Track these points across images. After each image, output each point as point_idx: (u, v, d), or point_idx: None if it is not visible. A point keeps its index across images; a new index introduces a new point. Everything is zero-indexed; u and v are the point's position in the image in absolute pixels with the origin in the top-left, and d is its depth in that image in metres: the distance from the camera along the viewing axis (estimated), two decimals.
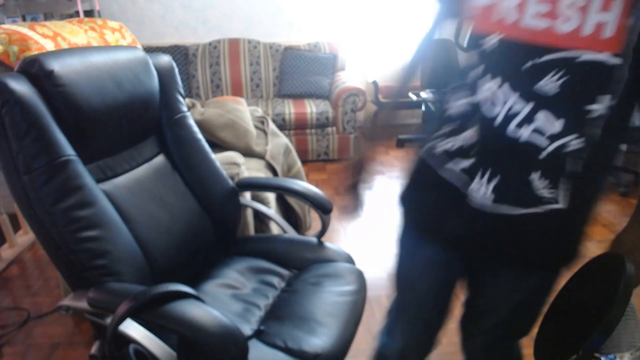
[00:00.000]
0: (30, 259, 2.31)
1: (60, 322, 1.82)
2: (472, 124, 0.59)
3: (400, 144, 3.95)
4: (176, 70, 1.35)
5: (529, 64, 0.55)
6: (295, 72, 3.74)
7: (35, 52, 1.55)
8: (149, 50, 2.94)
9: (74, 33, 1.90)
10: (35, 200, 0.93)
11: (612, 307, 1.05)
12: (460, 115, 0.61)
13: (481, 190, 0.59)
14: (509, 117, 0.56)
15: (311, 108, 3.46)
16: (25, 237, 2.42)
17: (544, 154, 0.56)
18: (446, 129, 0.63)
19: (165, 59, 1.33)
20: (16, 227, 2.39)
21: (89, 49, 1.14)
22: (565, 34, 0.52)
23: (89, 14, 3.67)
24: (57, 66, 0.98)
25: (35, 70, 0.97)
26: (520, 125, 0.56)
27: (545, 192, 0.59)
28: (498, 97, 0.57)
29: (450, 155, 0.62)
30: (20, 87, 0.93)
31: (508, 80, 0.56)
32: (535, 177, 0.58)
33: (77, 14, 3.52)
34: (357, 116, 3.55)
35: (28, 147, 0.92)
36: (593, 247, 2.33)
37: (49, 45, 1.64)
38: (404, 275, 0.93)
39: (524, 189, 0.59)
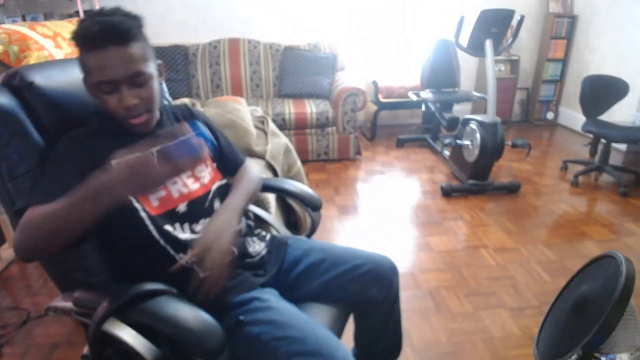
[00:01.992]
0: None
1: (60, 322, 1.82)
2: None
3: (400, 143, 3.95)
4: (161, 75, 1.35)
5: (206, 204, 1.06)
6: (295, 72, 3.74)
7: (35, 52, 1.55)
8: None
9: None
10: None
11: (612, 307, 1.05)
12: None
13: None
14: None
15: (311, 108, 3.46)
16: None
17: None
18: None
19: None
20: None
21: (70, 60, 1.15)
22: (207, 182, 1.09)
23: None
24: (37, 78, 1.02)
25: (16, 82, 1.00)
26: None
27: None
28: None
29: None
30: (2, 98, 0.97)
31: (203, 217, 1.05)
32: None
33: (77, 13, 3.52)
34: (357, 116, 3.55)
35: (11, 155, 0.96)
36: (593, 247, 2.33)
37: (49, 45, 1.64)
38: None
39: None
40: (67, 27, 1.89)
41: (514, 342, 1.68)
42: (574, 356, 1.09)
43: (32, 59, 1.54)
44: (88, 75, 0.93)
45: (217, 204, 1.08)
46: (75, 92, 1.07)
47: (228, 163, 1.23)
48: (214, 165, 1.15)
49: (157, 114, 1.04)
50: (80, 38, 0.91)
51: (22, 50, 1.53)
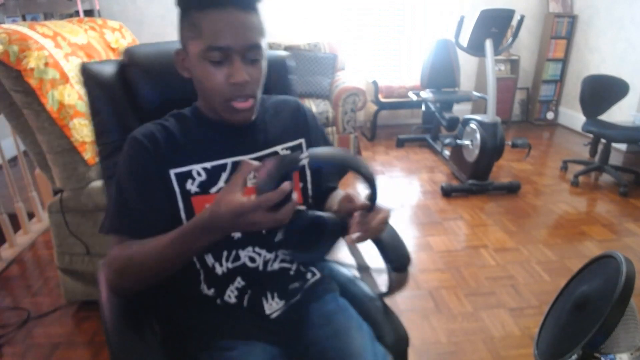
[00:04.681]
0: (30, 259, 2.31)
1: (60, 322, 1.82)
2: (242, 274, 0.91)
3: (400, 143, 3.95)
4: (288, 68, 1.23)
5: (264, 231, 0.88)
6: (295, 72, 3.73)
7: (36, 52, 1.55)
8: None
9: (74, 33, 1.90)
10: (101, 167, 1.07)
11: (612, 307, 1.05)
12: (236, 272, 0.90)
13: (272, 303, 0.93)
14: (265, 264, 0.91)
15: (311, 108, 3.46)
16: (25, 237, 2.42)
17: (291, 271, 0.96)
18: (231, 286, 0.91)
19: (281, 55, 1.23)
20: (16, 227, 2.39)
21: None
22: None
23: (89, 13, 3.67)
24: (142, 59, 1.07)
25: (124, 59, 1.07)
26: (271, 265, 0.92)
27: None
28: (253, 256, 0.90)
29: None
30: (106, 71, 1.05)
31: (256, 244, 0.90)
32: (296, 285, 0.96)
33: (77, 13, 3.52)
34: (357, 116, 3.55)
35: (98, 125, 1.05)
36: (593, 247, 2.33)
37: (49, 45, 1.64)
38: None
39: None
40: (67, 27, 1.89)
41: (514, 342, 1.68)
42: (574, 356, 1.09)
43: (32, 59, 1.54)
44: (196, 39, 0.79)
45: (279, 234, 0.88)
46: (176, 78, 1.04)
47: (317, 185, 0.98)
48: (300, 185, 0.95)
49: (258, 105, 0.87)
50: None
51: (22, 50, 1.53)
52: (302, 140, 0.97)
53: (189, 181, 0.84)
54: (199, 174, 0.85)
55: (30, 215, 2.51)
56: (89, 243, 1.76)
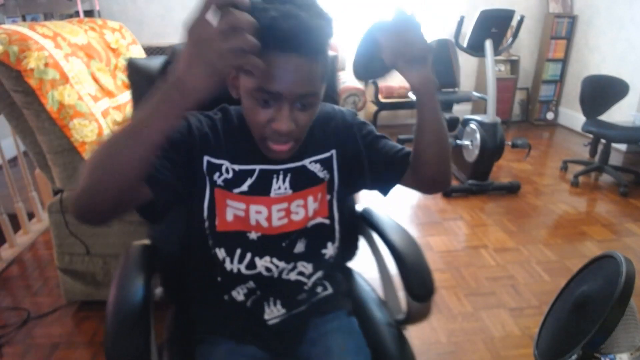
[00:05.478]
0: (30, 259, 2.31)
1: (60, 322, 1.82)
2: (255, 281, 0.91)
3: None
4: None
5: (284, 243, 0.89)
6: None
7: (35, 53, 1.55)
8: (149, 50, 2.94)
9: (74, 33, 1.90)
10: None
11: (612, 307, 1.05)
12: (249, 277, 0.90)
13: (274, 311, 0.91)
14: (280, 273, 0.90)
15: None
16: (25, 237, 2.42)
17: (306, 286, 0.93)
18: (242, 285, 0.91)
19: None
20: (16, 227, 2.39)
21: None
22: (298, 220, 0.89)
23: (89, 14, 3.67)
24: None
25: (169, 57, 1.07)
26: (287, 274, 0.91)
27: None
28: (270, 267, 0.89)
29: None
30: (150, 66, 1.08)
31: (274, 255, 0.88)
32: (303, 296, 0.94)
33: (77, 14, 3.52)
34: None
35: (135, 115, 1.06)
36: (593, 247, 2.33)
37: (49, 45, 1.64)
38: None
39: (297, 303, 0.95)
40: (67, 28, 1.89)
41: (514, 342, 1.68)
42: (574, 356, 1.09)
43: (32, 59, 1.54)
44: (248, 74, 0.72)
45: (300, 245, 0.90)
46: None
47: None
48: (327, 198, 0.93)
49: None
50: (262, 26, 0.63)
51: (22, 51, 1.53)
52: (332, 152, 0.92)
53: (217, 174, 0.85)
54: (227, 171, 0.85)
55: (30, 215, 2.51)
56: (89, 243, 1.76)
